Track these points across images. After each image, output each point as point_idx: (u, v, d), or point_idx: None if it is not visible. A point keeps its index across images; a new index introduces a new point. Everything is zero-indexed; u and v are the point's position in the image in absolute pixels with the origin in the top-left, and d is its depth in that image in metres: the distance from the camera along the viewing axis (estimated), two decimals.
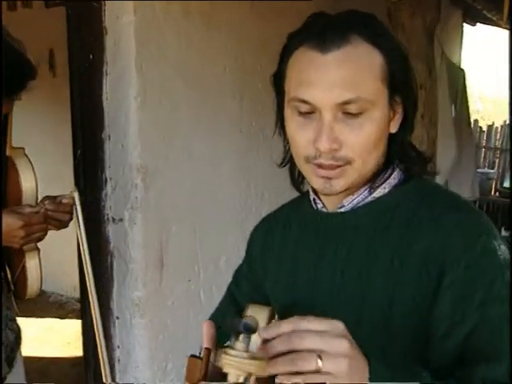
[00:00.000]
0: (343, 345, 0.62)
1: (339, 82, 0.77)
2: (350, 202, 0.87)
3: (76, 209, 1.30)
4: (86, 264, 1.31)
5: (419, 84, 2.52)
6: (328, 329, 0.63)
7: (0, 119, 1.21)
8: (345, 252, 0.86)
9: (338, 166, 0.81)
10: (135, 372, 1.99)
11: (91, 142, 1.90)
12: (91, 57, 1.87)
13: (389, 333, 0.80)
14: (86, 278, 1.32)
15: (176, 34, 1.98)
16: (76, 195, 1.29)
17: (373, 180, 0.86)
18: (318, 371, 0.60)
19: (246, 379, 0.66)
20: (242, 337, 0.66)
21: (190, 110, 2.06)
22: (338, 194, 0.85)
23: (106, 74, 1.88)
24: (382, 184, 0.87)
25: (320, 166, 0.81)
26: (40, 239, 1.26)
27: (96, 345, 1.98)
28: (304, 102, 0.79)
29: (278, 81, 0.87)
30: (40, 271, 1.37)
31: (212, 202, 2.19)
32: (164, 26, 1.94)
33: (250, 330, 0.65)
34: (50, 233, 1.33)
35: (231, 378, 0.66)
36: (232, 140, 2.26)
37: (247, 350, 0.65)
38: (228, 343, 0.68)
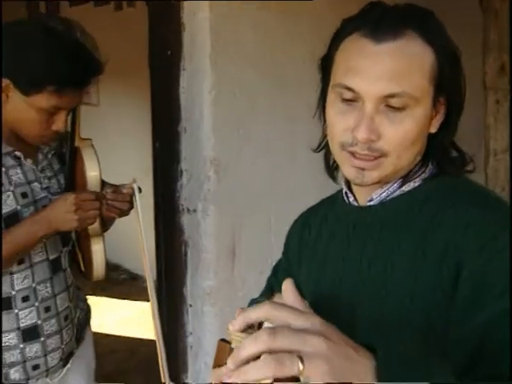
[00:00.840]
0: (322, 344, 0.56)
1: (388, 74, 0.76)
2: (378, 195, 0.86)
3: (135, 199, 1.36)
4: (144, 252, 1.37)
5: None
6: (305, 326, 0.57)
7: None
8: (372, 245, 0.86)
9: (373, 158, 0.80)
10: (206, 358, 2.05)
11: (168, 135, 1.98)
12: (169, 53, 1.94)
13: (410, 326, 0.78)
14: (145, 268, 1.38)
15: (252, 28, 2.00)
16: (135, 186, 1.35)
17: (405, 176, 0.85)
18: (297, 375, 0.55)
19: None
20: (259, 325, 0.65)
21: (266, 102, 2.07)
22: (369, 185, 0.84)
23: (183, 70, 1.94)
24: (412, 178, 0.85)
25: (354, 154, 0.81)
26: (90, 224, 1.33)
27: (170, 330, 2.07)
28: (348, 89, 0.79)
29: (326, 65, 0.86)
30: (104, 255, 1.45)
31: (288, 194, 2.18)
32: (240, 21, 1.96)
33: None
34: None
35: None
36: (309, 132, 2.24)
37: (253, 327, 0.65)
38: None
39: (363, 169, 0.81)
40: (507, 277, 0.71)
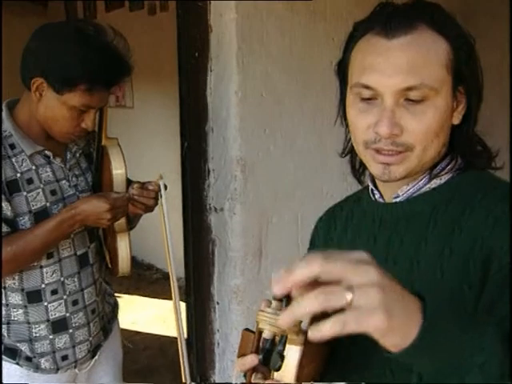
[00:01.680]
0: (371, 272, 0.55)
1: (403, 68, 0.77)
2: (404, 192, 0.86)
3: (161, 195, 1.39)
4: (168, 249, 1.40)
5: None
6: (352, 258, 0.56)
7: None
8: (398, 242, 0.86)
9: (398, 152, 0.80)
10: (233, 356, 2.07)
11: (196, 135, 2.01)
12: (197, 54, 1.97)
13: None
14: (168, 264, 1.42)
15: (279, 29, 2.01)
16: (161, 182, 1.38)
17: (431, 169, 0.85)
18: (348, 305, 0.53)
19: (282, 339, 0.68)
20: (278, 300, 0.67)
21: (292, 103, 2.08)
22: (396, 180, 0.84)
23: (211, 71, 1.98)
24: (439, 174, 0.85)
25: (379, 151, 0.81)
26: (118, 220, 1.38)
27: (198, 327, 2.11)
28: (366, 87, 0.80)
29: (342, 69, 0.87)
30: (130, 251, 1.49)
31: (315, 193, 2.19)
32: (267, 21, 1.98)
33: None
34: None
35: (266, 335, 0.69)
36: (336, 132, 2.24)
37: (281, 309, 0.67)
38: None
39: (389, 164, 0.81)
40: None
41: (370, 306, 0.53)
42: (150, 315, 3.61)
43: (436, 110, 0.78)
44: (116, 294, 1.72)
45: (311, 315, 0.56)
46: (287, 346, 0.69)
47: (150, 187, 1.40)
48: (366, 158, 0.85)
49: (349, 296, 0.53)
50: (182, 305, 2.25)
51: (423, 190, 0.85)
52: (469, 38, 0.82)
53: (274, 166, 2.06)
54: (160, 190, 1.39)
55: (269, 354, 0.70)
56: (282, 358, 0.69)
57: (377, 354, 0.62)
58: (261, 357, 0.70)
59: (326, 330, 0.53)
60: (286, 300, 0.66)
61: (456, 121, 0.83)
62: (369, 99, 0.80)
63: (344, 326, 0.53)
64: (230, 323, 2.07)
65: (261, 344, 0.71)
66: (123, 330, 3.35)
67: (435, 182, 0.85)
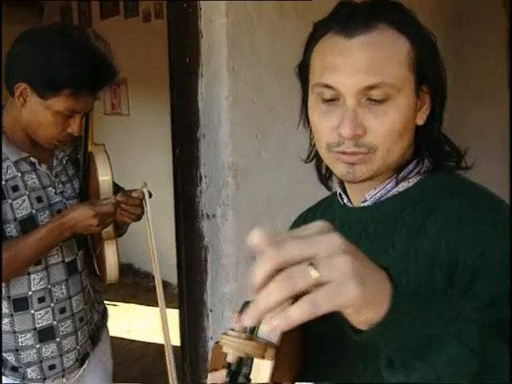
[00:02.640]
0: (334, 240, 0.49)
1: (363, 67, 0.76)
2: (372, 196, 0.85)
3: (145, 203, 1.37)
4: (154, 258, 1.39)
5: None
6: (308, 231, 0.51)
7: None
8: (366, 246, 0.84)
9: (362, 154, 0.79)
10: None
11: (187, 141, 2.00)
12: (187, 60, 1.96)
13: None
14: (155, 273, 1.40)
15: (270, 33, 2.01)
16: (145, 190, 1.37)
17: (398, 172, 0.84)
18: (317, 283, 0.47)
19: (247, 361, 0.67)
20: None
21: (285, 108, 2.06)
22: (361, 181, 0.82)
23: (201, 76, 1.97)
24: (406, 177, 0.84)
25: (343, 153, 0.80)
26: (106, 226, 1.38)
27: (191, 335, 2.09)
28: (328, 86, 0.78)
29: (303, 71, 0.86)
30: (117, 258, 1.47)
31: (308, 199, 2.16)
32: (257, 26, 1.97)
33: None
34: None
35: (229, 358, 0.66)
36: None
37: (245, 331, 0.66)
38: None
39: (353, 164, 0.80)
40: (505, 268, 0.69)
41: (342, 276, 0.47)
42: (146, 323, 3.58)
43: (399, 109, 0.77)
44: (112, 302, 1.71)
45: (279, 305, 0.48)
46: (256, 360, 0.67)
47: (135, 195, 1.38)
48: (329, 160, 0.83)
49: (314, 272, 0.47)
50: (175, 312, 2.24)
51: (391, 193, 0.84)
52: (431, 36, 0.81)
53: (267, 171, 2.05)
54: (144, 198, 1.37)
55: (236, 376, 0.68)
56: (249, 380, 0.67)
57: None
58: (227, 379, 0.69)
59: (295, 316, 0.47)
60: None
61: (420, 121, 0.82)
62: (331, 100, 0.79)
63: (315, 306, 0.47)
64: (223, 331, 2.05)
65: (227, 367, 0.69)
66: (119, 339, 3.33)
67: (403, 185, 0.84)
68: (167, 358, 1.39)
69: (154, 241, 1.37)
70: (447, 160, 0.85)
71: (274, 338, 0.68)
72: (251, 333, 0.67)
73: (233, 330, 0.67)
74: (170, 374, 1.37)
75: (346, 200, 0.90)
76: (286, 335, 0.71)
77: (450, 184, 0.83)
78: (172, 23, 2.00)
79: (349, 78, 0.76)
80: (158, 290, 1.40)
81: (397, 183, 0.83)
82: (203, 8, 1.94)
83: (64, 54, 1.26)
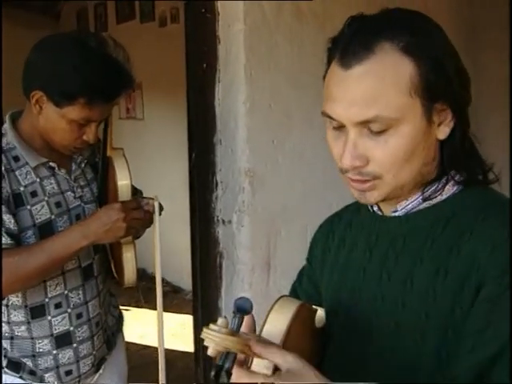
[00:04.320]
0: None
1: (358, 101, 0.75)
2: (403, 207, 0.85)
3: (155, 216, 1.37)
4: (157, 270, 1.39)
5: None
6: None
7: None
8: (393, 258, 0.84)
9: (368, 181, 0.79)
10: None
11: (204, 146, 2.00)
12: (205, 65, 1.96)
13: (424, 342, 0.78)
14: (157, 283, 1.41)
15: (288, 38, 2.00)
16: (156, 204, 1.35)
17: (424, 188, 0.83)
18: None
19: (228, 356, 0.69)
20: (232, 315, 0.70)
21: (301, 113, 2.06)
22: (376, 203, 0.85)
23: (219, 82, 1.96)
24: (436, 192, 0.82)
25: (351, 180, 0.81)
26: (132, 233, 1.37)
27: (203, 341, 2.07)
28: (330, 117, 0.79)
29: None
30: (135, 262, 1.47)
31: (324, 205, 2.15)
32: (275, 31, 1.97)
33: (241, 310, 0.70)
34: None
35: (210, 352, 0.69)
36: None
37: (227, 327, 0.69)
38: None
39: (363, 190, 0.81)
40: None
41: None
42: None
43: (401, 137, 0.76)
44: (125, 307, 1.71)
45: None
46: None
47: (146, 208, 1.37)
48: (344, 181, 0.84)
49: None
50: (189, 318, 2.23)
51: (423, 205, 0.83)
52: (447, 50, 0.78)
53: (283, 177, 2.04)
54: (154, 212, 1.37)
55: (219, 370, 0.69)
56: (229, 375, 0.69)
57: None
58: (213, 372, 0.69)
59: None
60: (239, 320, 0.69)
61: (441, 136, 0.80)
62: (338, 127, 0.79)
63: None
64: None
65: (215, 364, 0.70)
66: (132, 344, 3.33)
67: (437, 199, 0.82)
68: (160, 366, 1.40)
69: (159, 257, 1.37)
70: (474, 173, 0.83)
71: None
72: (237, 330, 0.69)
73: (215, 324, 0.69)
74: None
75: (376, 208, 0.89)
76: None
77: (485, 201, 0.81)
78: (189, 28, 2.00)
79: (346, 110, 0.76)
80: (157, 300, 1.40)
81: (423, 200, 0.83)
82: (221, 13, 1.93)
83: (79, 64, 1.25)
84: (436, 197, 0.82)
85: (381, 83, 0.74)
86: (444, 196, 0.82)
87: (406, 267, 0.81)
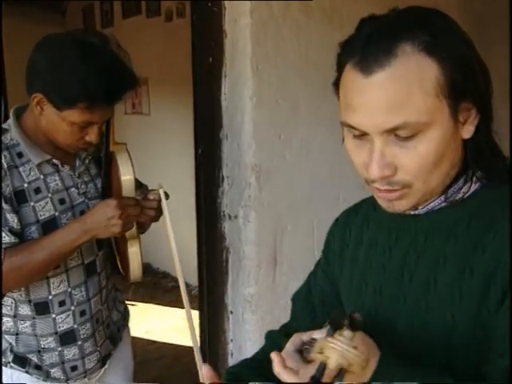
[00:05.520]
0: None
1: (383, 108, 0.71)
2: (424, 206, 0.82)
3: (163, 205, 1.34)
4: (175, 261, 1.36)
5: None
6: None
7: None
8: (415, 257, 0.82)
9: (397, 190, 0.76)
10: None
11: (210, 141, 1.99)
12: (211, 59, 1.95)
13: (451, 342, 0.76)
14: (178, 276, 1.38)
15: (295, 33, 1.98)
16: (161, 191, 1.32)
17: (448, 187, 0.80)
18: None
19: (341, 371, 0.65)
20: (346, 329, 0.66)
21: (308, 108, 2.04)
22: (404, 211, 0.81)
23: (225, 76, 1.95)
24: (459, 190, 0.80)
25: (378, 190, 0.77)
26: (129, 229, 1.35)
27: (211, 337, 2.07)
28: (352, 127, 0.75)
29: (338, 91, 0.80)
30: (141, 257, 1.45)
31: (331, 200, 2.15)
32: (282, 26, 1.95)
33: (355, 324, 0.67)
34: None
35: (331, 363, 0.64)
36: None
37: (352, 339, 0.65)
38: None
39: (391, 200, 0.78)
40: None
41: None
42: (165, 324, 3.58)
43: (430, 141, 0.72)
44: (131, 303, 1.70)
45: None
46: None
47: (151, 197, 1.36)
48: (370, 190, 0.81)
49: None
50: (195, 313, 2.23)
51: (444, 204, 0.80)
52: (469, 48, 0.74)
53: (290, 172, 2.02)
54: (161, 200, 1.34)
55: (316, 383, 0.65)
56: None
57: None
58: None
59: None
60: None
61: (467, 135, 0.76)
62: (360, 135, 0.75)
63: None
64: (243, 333, 2.03)
65: (316, 372, 0.65)
66: (138, 339, 3.34)
67: (458, 197, 0.80)
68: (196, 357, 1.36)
69: (174, 244, 1.34)
70: (497, 170, 0.80)
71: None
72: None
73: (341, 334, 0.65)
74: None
75: None
76: None
77: (506, 196, 0.78)
78: (196, 23, 1.99)
79: (371, 119, 0.72)
80: (182, 292, 1.37)
81: (446, 199, 0.80)
82: (228, 7, 1.92)
83: (79, 68, 1.22)
84: (461, 192, 0.80)
85: (406, 88, 0.70)
86: (466, 195, 0.80)
87: (428, 267, 0.79)
